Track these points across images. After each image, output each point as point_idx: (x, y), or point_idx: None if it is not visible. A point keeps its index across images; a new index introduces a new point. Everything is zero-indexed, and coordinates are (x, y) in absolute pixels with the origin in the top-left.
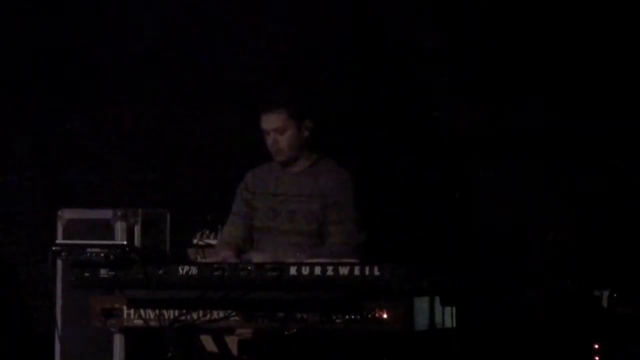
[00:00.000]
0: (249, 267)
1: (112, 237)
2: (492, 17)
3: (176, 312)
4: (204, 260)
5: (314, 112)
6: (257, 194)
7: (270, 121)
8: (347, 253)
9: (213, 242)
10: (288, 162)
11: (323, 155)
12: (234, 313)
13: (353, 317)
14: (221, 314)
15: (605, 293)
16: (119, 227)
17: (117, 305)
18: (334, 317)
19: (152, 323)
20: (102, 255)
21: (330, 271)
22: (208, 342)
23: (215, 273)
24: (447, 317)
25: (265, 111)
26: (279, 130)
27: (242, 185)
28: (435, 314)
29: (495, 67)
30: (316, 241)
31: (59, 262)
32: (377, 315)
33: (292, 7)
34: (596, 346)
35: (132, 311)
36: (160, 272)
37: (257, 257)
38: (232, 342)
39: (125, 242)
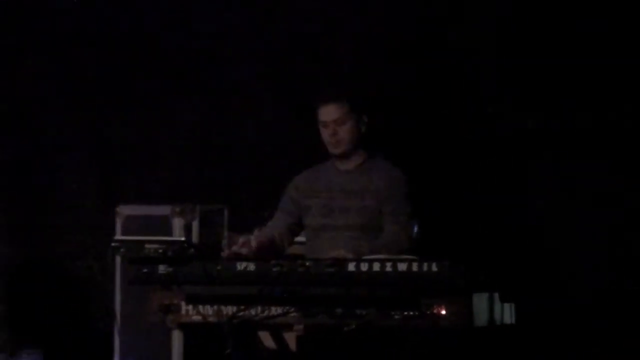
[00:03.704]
0: (307, 263)
1: (170, 233)
2: (543, 19)
3: (234, 308)
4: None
5: (370, 107)
6: (308, 193)
7: (331, 112)
8: (402, 246)
9: None
10: (344, 154)
11: (373, 152)
12: (292, 309)
13: (411, 313)
14: (279, 310)
15: None
16: (177, 223)
17: (175, 301)
18: (392, 313)
19: (211, 319)
20: (160, 251)
21: (388, 267)
22: (266, 338)
23: (274, 269)
24: (507, 313)
25: (325, 103)
26: (338, 122)
27: (291, 185)
28: (495, 310)
29: (545, 68)
30: (370, 236)
31: (118, 258)
32: (435, 311)
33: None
34: None
35: (190, 307)
36: (218, 267)
37: (332, 253)
38: (290, 338)
39: (183, 238)
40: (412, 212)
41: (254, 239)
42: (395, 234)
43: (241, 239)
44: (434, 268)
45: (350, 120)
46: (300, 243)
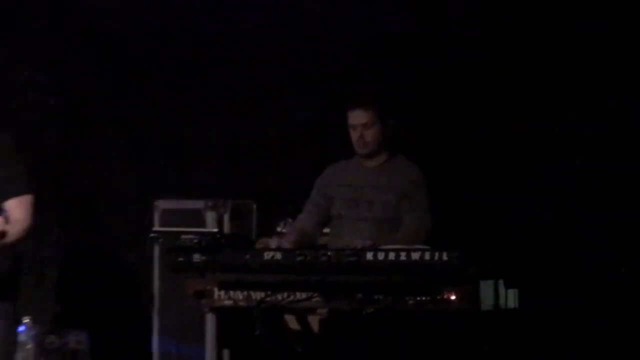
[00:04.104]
0: (329, 253)
1: (204, 225)
2: (552, 28)
3: (262, 294)
4: (261, 246)
5: (396, 112)
6: (335, 186)
7: (359, 117)
8: (420, 238)
9: None
10: (369, 155)
11: (396, 152)
12: (315, 295)
13: (424, 298)
14: (304, 296)
15: None
16: (210, 216)
17: (208, 287)
18: (407, 299)
19: (241, 303)
20: (195, 241)
21: (403, 256)
22: (292, 321)
23: (298, 258)
24: (511, 298)
25: (354, 108)
26: (366, 126)
27: (320, 178)
28: (500, 295)
29: (554, 74)
30: (390, 227)
31: (156, 248)
32: (445, 296)
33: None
34: None
35: (222, 292)
36: (247, 257)
37: (354, 243)
38: (313, 321)
39: (215, 230)
40: (429, 207)
41: (287, 242)
42: (414, 227)
43: (273, 245)
44: (445, 257)
45: (376, 125)
46: (326, 234)
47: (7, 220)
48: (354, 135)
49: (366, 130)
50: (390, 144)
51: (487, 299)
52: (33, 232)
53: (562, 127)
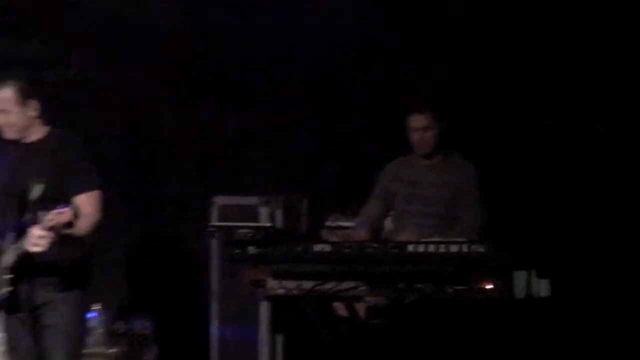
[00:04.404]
0: (374, 245)
1: (258, 220)
2: (566, 32)
3: (313, 283)
4: (335, 239)
5: (449, 115)
6: (396, 182)
7: (419, 121)
8: (476, 232)
9: (343, 224)
10: (427, 155)
11: (451, 150)
12: (361, 284)
13: (462, 287)
14: (350, 285)
15: None
16: (264, 211)
17: (263, 277)
18: (446, 288)
19: (293, 292)
20: (250, 235)
21: (442, 248)
22: (340, 308)
23: (346, 250)
24: (543, 288)
25: (414, 113)
26: (425, 129)
27: (382, 173)
28: (532, 285)
29: (567, 76)
30: (445, 222)
31: (214, 241)
32: (482, 286)
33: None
34: None
35: (275, 282)
36: (299, 249)
37: (401, 236)
38: (360, 308)
39: (269, 224)
40: (483, 203)
41: (363, 232)
42: (470, 223)
43: (357, 236)
44: (481, 249)
45: (433, 128)
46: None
47: (76, 214)
48: (414, 137)
49: (424, 133)
50: (445, 144)
51: (520, 288)
52: (102, 225)
53: (593, 124)
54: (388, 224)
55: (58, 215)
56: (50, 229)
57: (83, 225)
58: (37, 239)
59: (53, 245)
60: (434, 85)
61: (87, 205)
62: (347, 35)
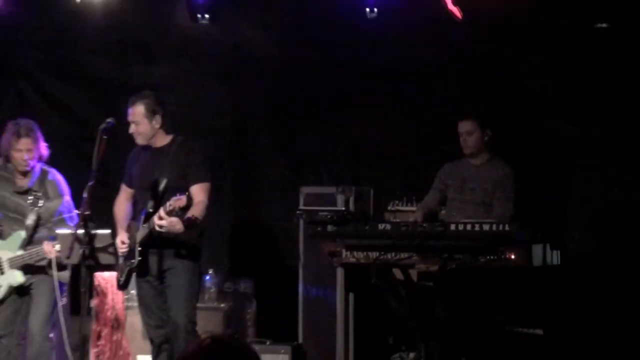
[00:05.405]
0: (425, 224)
1: (335, 205)
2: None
3: (377, 254)
4: (394, 220)
5: (492, 123)
6: (450, 176)
7: (465, 126)
8: (507, 218)
9: (401, 208)
10: (472, 155)
11: (495, 154)
12: (414, 254)
13: (491, 257)
14: (406, 255)
15: None
16: (340, 198)
17: (338, 249)
18: (479, 257)
19: (362, 261)
20: (329, 216)
21: (477, 227)
22: (398, 273)
23: (402, 228)
24: (555, 257)
25: (461, 119)
26: (469, 133)
27: (441, 170)
28: (547, 255)
29: (594, 87)
30: (487, 209)
31: (301, 221)
32: (507, 256)
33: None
34: None
35: (348, 253)
36: (366, 227)
37: (454, 218)
38: (413, 274)
39: (343, 209)
40: (514, 197)
41: (419, 216)
42: (500, 212)
43: (412, 217)
44: (507, 228)
45: (477, 132)
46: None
47: (189, 200)
48: (461, 139)
49: (469, 137)
50: (490, 147)
51: (537, 257)
52: (211, 210)
53: (600, 135)
54: (443, 213)
55: (176, 202)
56: (170, 212)
57: (196, 210)
58: (160, 220)
59: (176, 226)
60: (479, 99)
61: (199, 193)
62: (411, 60)
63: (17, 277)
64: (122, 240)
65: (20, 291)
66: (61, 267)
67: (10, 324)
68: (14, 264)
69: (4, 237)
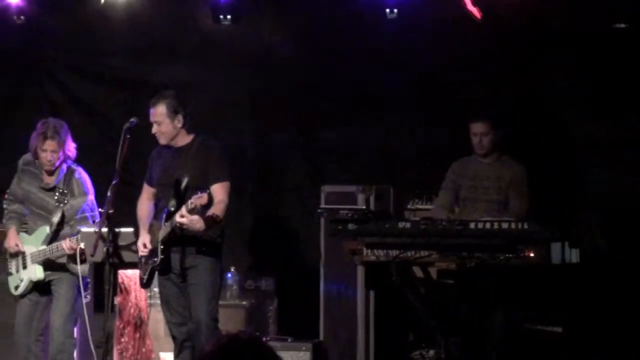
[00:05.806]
0: (444, 223)
1: (356, 204)
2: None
3: (397, 252)
4: (414, 218)
5: (503, 124)
6: (462, 175)
7: (478, 127)
8: (522, 216)
9: (420, 206)
10: (485, 155)
11: (504, 152)
12: (433, 252)
13: (510, 255)
14: (425, 253)
15: None
16: (360, 197)
17: (359, 247)
18: (498, 255)
19: (382, 258)
20: (349, 215)
21: (496, 225)
22: (417, 271)
23: (422, 226)
24: (574, 255)
25: (475, 121)
26: (483, 134)
27: (451, 170)
28: (566, 253)
29: (607, 90)
30: (500, 207)
31: (322, 219)
32: (526, 254)
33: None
34: None
35: (369, 251)
36: (387, 225)
37: (470, 216)
38: (433, 271)
39: (364, 207)
40: (528, 194)
41: (440, 214)
42: (516, 210)
43: (438, 216)
44: (525, 226)
45: (490, 133)
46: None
47: (210, 199)
48: (475, 140)
49: (483, 137)
50: (500, 147)
51: (556, 256)
52: (233, 208)
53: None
54: (457, 209)
55: (197, 199)
56: (192, 210)
57: (217, 209)
58: (181, 218)
59: (197, 224)
60: (495, 99)
61: (219, 192)
62: (430, 60)
63: (38, 272)
64: (144, 243)
65: (40, 287)
66: (81, 261)
67: (29, 320)
68: (36, 258)
69: (29, 233)
